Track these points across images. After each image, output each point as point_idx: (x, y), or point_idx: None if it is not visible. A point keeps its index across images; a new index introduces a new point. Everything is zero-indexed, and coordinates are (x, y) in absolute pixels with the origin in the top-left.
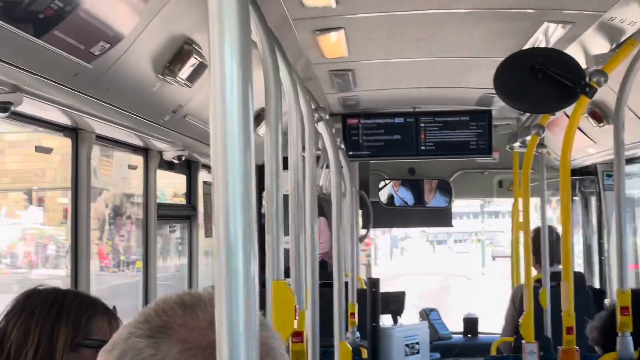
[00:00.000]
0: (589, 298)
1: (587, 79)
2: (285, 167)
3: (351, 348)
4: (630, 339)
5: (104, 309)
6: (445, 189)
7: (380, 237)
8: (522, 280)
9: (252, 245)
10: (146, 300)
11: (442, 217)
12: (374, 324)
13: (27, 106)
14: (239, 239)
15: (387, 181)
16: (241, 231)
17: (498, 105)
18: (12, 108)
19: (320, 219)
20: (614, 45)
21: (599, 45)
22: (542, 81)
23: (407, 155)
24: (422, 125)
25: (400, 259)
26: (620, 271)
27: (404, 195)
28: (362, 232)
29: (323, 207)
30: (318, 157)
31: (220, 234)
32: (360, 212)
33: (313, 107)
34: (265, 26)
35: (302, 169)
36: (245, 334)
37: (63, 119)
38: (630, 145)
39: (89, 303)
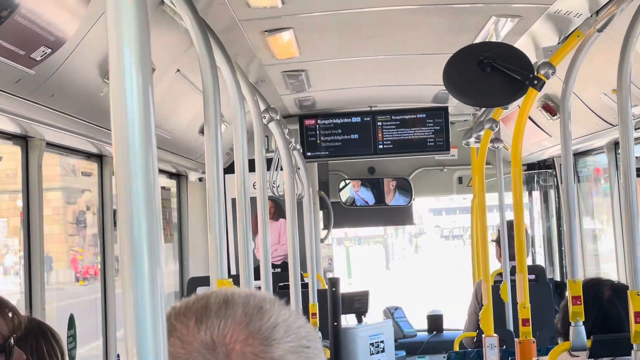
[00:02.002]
0: (550, 291)
1: (535, 72)
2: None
3: None
4: (582, 328)
5: None
6: (405, 187)
7: (393, 234)
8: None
9: (157, 252)
10: (105, 315)
11: (403, 216)
12: (335, 324)
13: None
14: (144, 246)
15: (347, 181)
16: (146, 239)
17: (454, 102)
18: None
19: (281, 220)
20: (562, 38)
21: (548, 38)
22: (491, 75)
23: (365, 154)
24: (379, 124)
25: (414, 259)
26: (571, 261)
27: (365, 195)
28: (323, 232)
29: (284, 209)
30: (271, 160)
31: (125, 242)
32: (321, 213)
33: (263, 107)
34: (201, 25)
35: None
36: (153, 343)
37: (11, 127)
38: (583, 138)
39: None
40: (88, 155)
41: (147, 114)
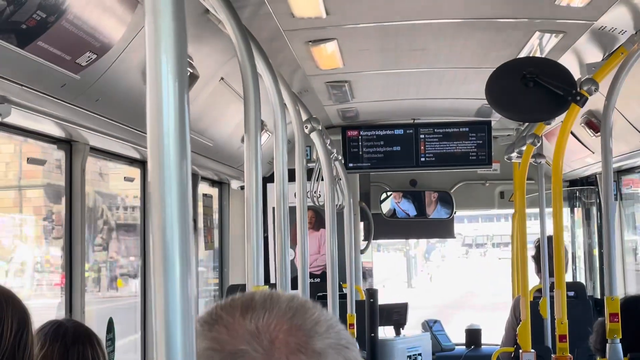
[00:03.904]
0: (590, 308)
1: (578, 88)
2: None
3: None
4: (619, 346)
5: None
6: (446, 200)
7: (415, 242)
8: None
9: (188, 258)
10: (144, 319)
11: (444, 229)
12: (373, 335)
13: (19, 118)
14: (175, 252)
15: (388, 193)
16: (177, 244)
17: (497, 116)
18: (0, 119)
19: (322, 230)
20: (606, 54)
21: (592, 54)
22: (533, 90)
23: (407, 166)
24: (422, 136)
25: (439, 275)
26: (609, 278)
27: (406, 207)
28: (363, 244)
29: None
30: (311, 170)
31: (156, 246)
32: (362, 224)
33: (305, 117)
34: (243, 34)
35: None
36: (183, 347)
37: (56, 131)
38: (626, 155)
39: None
40: (131, 161)
41: (182, 123)
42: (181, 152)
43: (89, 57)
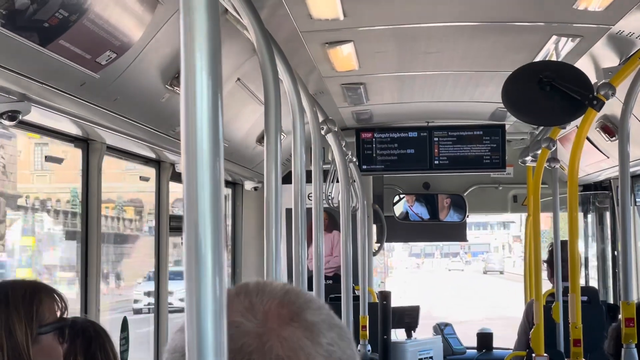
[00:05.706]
0: (603, 313)
1: (595, 92)
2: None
3: None
4: (634, 351)
5: (47, 290)
6: (459, 204)
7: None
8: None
9: (220, 257)
10: (158, 319)
11: (457, 232)
12: (385, 337)
13: (37, 116)
14: (208, 252)
15: (401, 196)
16: (210, 244)
17: (512, 120)
18: (20, 117)
19: (334, 232)
20: (623, 59)
21: (610, 58)
22: (550, 94)
23: (421, 169)
24: (436, 139)
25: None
26: (625, 283)
27: (419, 210)
28: (376, 246)
29: (338, 221)
30: (327, 171)
31: (191, 247)
32: (375, 226)
33: (322, 119)
34: (265, 36)
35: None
36: (214, 343)
37: (74, 129)
38: None
39: (32, 290)
40: (146, 160)
41: (215, 122)
42: (214, 151)
43: (108, 56)
